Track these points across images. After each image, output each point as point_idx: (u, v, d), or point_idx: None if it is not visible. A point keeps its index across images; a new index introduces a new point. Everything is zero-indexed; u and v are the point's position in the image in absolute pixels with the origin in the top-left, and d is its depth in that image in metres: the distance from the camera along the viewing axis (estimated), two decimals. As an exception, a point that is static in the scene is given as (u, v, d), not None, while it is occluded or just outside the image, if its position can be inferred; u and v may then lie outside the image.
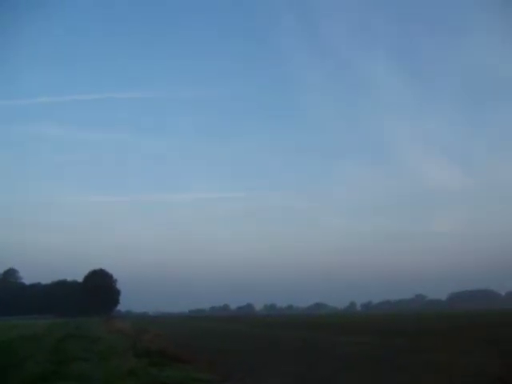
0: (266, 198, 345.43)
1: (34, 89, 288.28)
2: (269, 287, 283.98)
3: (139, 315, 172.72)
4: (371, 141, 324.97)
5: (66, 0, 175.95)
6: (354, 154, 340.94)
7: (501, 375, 11.71)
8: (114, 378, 12.55)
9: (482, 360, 15.27)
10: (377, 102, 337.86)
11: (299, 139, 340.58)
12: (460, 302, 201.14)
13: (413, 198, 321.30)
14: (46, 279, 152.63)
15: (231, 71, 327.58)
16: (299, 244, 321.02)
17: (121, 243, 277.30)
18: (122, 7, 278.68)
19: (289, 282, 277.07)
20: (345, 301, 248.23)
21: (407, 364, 15.19)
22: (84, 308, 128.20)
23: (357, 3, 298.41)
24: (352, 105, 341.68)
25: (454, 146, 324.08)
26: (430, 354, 17.66)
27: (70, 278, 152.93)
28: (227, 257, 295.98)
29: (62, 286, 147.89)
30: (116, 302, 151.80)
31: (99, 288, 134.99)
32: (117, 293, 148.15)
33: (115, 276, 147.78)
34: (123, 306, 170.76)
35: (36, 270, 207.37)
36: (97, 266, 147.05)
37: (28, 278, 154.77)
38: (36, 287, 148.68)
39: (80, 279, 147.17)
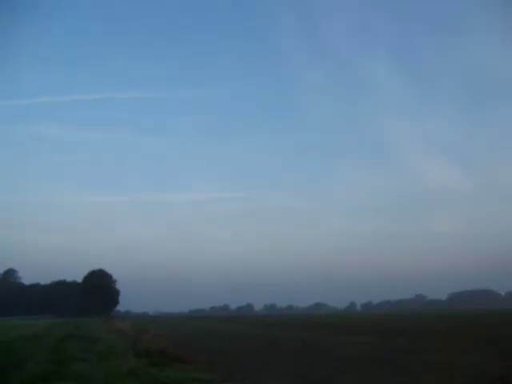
0: (265, 197, 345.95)
1: (34, 89, 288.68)
2: (269, 287, 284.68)
3: (139, 315, 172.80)
4: (371, 141, 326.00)
5: (65, 0, 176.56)
6: (354, 154, 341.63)
7: (501, 375, 11.72)
8: (114, 378, 12.54)
9: (481, 360, 15.28)
10: (377, 102, 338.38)
11: (299, 139, 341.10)
12: (460, 302, 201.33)
13: (413, 198, 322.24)
14: (45, 279, 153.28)
15: (231, 71, 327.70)
16: (299, 244, 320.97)
17: (121, 243, 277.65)
18: (121, 7, 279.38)
19: (289, 282, 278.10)
20: (345, 301, 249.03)
21: (407, 364, 15.20)
22: (84, 308, 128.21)
23: (357, 3, 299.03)
24: (352, 105, 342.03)
25: (453, 146, 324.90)
26: (430, 354, 17.68)
27: (69, 279, 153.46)
28: (227, 257, 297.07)
29: (61, 286, 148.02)
30: (115, 302, 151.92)
31: (99, 288, 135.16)
32: (116, 293, 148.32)
33: (115, 276, 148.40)
34: (123, 306, 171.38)
35: (36, 270, 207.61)
36: (96, 266, 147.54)
37: (28, 278, 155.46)
38: (36, 287, 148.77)
39: (79, 279, 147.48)
